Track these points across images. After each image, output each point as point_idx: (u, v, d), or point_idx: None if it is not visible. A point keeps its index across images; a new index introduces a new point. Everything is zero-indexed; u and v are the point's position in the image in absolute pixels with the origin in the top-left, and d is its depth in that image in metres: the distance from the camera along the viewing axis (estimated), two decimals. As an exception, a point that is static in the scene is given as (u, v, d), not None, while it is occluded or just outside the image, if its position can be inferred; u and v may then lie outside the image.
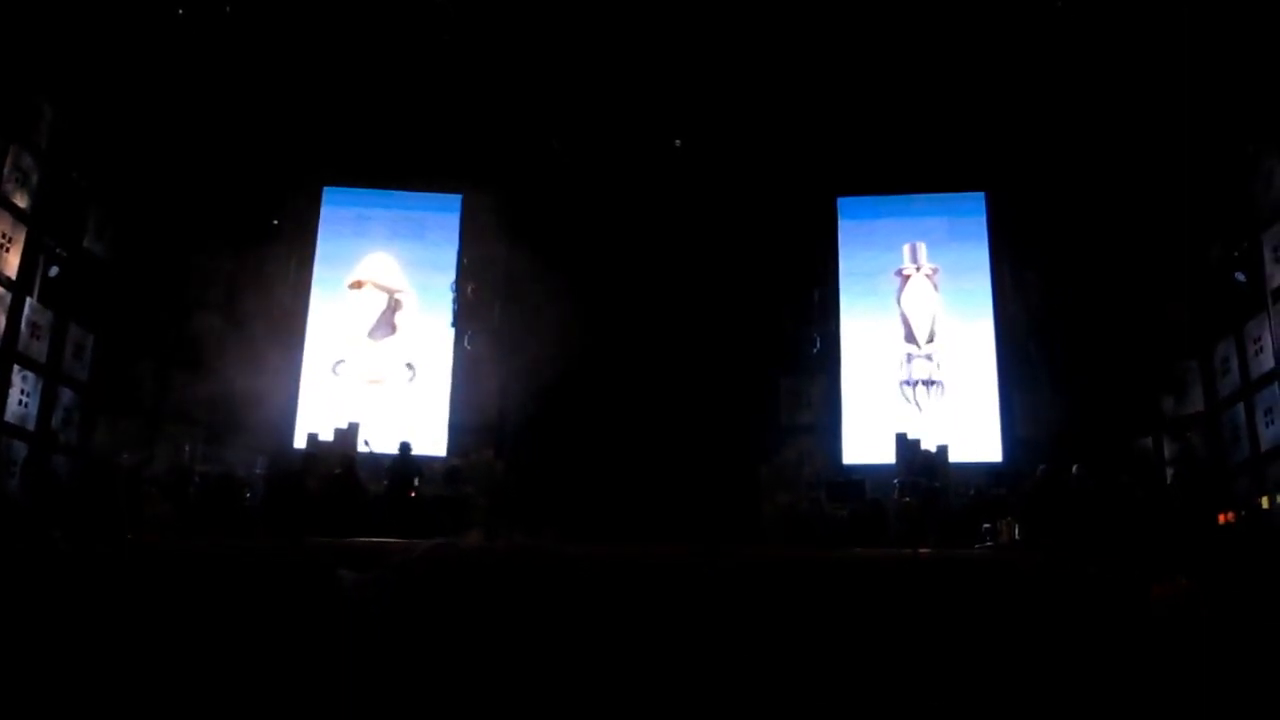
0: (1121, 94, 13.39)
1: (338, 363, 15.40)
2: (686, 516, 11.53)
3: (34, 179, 12.22)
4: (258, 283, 14.96)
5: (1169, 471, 13.71)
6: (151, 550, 8.85)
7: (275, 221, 15.47)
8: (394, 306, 15.78)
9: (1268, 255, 12.13)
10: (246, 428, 14.04)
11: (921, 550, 10.11)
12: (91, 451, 12.99)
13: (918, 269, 15.77)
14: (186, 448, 13.62)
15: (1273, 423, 12.01)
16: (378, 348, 15.57)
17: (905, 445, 13.38)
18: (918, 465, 12.90)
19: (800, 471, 13.05)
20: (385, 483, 12.76)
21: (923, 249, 15.87)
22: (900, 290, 15.83)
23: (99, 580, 7.59)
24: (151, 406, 14.35)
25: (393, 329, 15.70)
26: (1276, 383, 11.90)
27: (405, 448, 13.13)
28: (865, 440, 15.05)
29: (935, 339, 15.49)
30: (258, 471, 13.46)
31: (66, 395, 12.96)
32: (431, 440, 14.85)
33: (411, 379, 15.51)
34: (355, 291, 15.76)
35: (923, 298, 15.71)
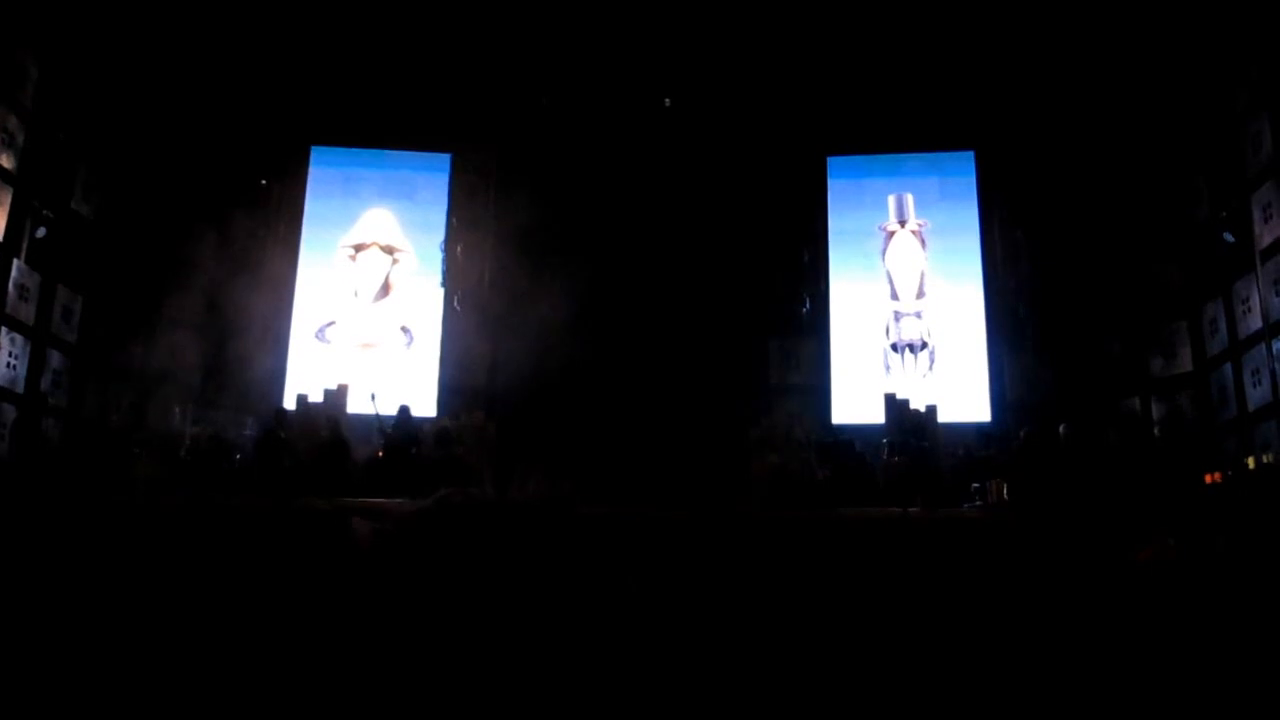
0: (1111, 53, 13.35)
1: (326, 326, 15.35)
2: (677, 478, 11.55)
3: (20, 140, 12.10)
4: (246, 243, 14.86)
5: (1157, 431, 13.79)
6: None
7: (264, 182, 15.39)
8: (393, 266, 15.76)
9: (1256, 215, 12.14)
10: (236, 390, 14.04)
11: (911, 510, 10.19)
12: (81, 414, 12.99)
13: (902, 225, 15.76)
14: (176, 410, 13.60)
15: (1260, 383, 12.06)
16: (370, 310, 15.53)
17: (894, 405, 13.40)
18: (907, 425, 12.93)
19: (790, 432, 13.07)
20: (382, 442, 12.71)
21: (910, 201, 15.82)
22: (885, 247, 15.82)
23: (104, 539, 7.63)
24: (140, 369, 14.30)
25: (387, 291, 15.65)
26: (1264, 343, 11.94)
27: (405, 410, 13.09)
28: (855, 400, 15.09)
29: (925, 296, 15.50)
30: (247, 433, 13.44)
31: (55, 358, 12.92)
32: (422, 402, 14.82)
33: (409, 344, 15.48)
34: (358, 254, 15.71)
35: (907, 254, 15.69)
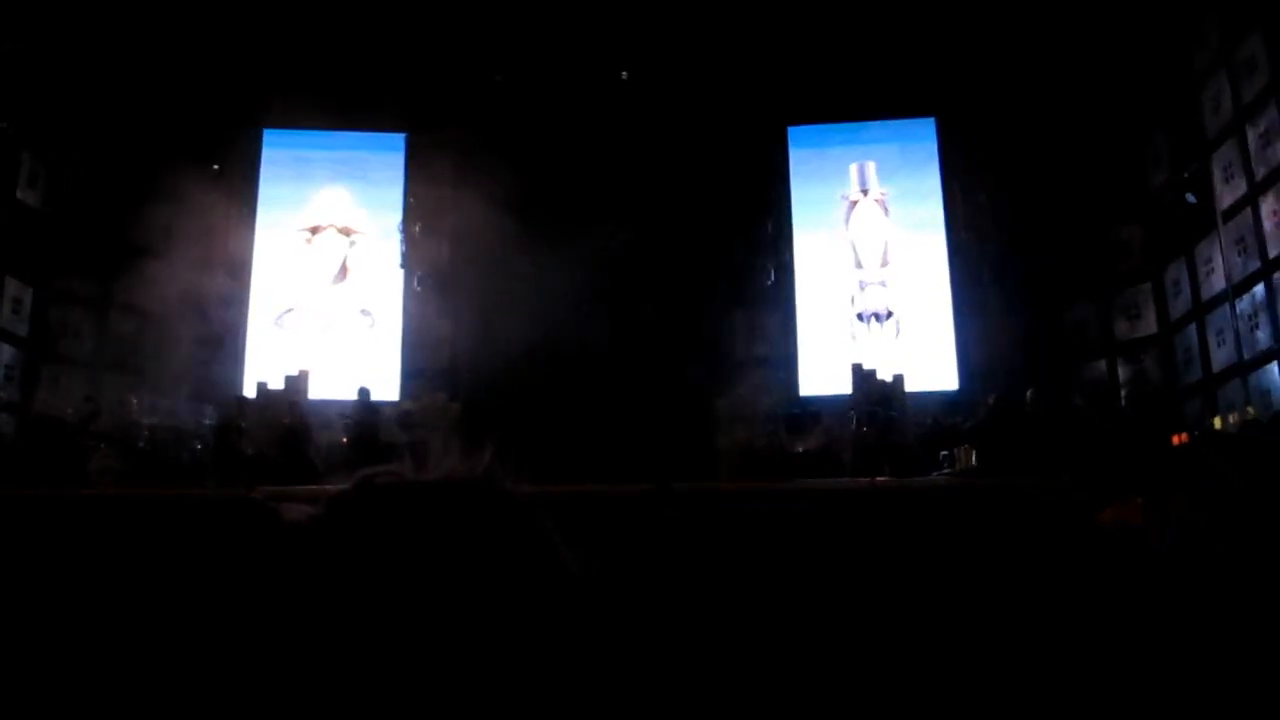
0: (1070, 16, 13.30)
1: (285, 312, 15.12)
2: (642, 453, 11.44)
3: (-41, 128, 11.86)
4: (200, 229, 14.56)
5: (1123, 394, 13.82)
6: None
7: (215, 166, 15.10)
8: (351, 248, 15.54)
9: (1218, 176, 12.15)
10: (194, 379, 13.81)
11: (878, 479, 10.11)
12: (35, 408, 12.74)
13: (865, 193, 15.67)
14: (133, 401, 13.38)
15: (1224, 344, 12.09)
16: (329, 294, 15.31)
17: (861, 376, 13.34)
18: (874, 395, 12.88)
19: (757, 405, 12.99)
20: (347, 426, 12.55)
21: (872, 169, 15.70)
22: (848, 216, 15.73)
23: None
24: (95, 360, 14.07)
25: (345, 274, 15.45)
26: (1228, 304, 11.96)
27: (364, 393, 12.91)
28: (822, 371, 15.01)
29: (889, 264, 15.42)
30: (207, 423, 13.23)
31: (6, 351, 12.67)
32: (384, 385, 14.61)
33: (371, 326, 15.29)
34: (314, 236, 15.46)
35: (870, 223, 15.59)
